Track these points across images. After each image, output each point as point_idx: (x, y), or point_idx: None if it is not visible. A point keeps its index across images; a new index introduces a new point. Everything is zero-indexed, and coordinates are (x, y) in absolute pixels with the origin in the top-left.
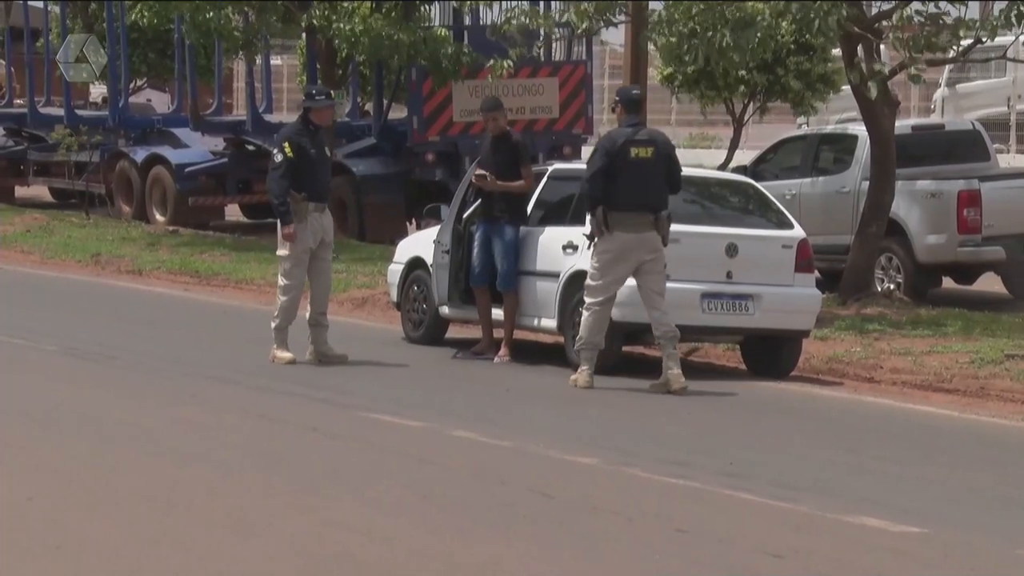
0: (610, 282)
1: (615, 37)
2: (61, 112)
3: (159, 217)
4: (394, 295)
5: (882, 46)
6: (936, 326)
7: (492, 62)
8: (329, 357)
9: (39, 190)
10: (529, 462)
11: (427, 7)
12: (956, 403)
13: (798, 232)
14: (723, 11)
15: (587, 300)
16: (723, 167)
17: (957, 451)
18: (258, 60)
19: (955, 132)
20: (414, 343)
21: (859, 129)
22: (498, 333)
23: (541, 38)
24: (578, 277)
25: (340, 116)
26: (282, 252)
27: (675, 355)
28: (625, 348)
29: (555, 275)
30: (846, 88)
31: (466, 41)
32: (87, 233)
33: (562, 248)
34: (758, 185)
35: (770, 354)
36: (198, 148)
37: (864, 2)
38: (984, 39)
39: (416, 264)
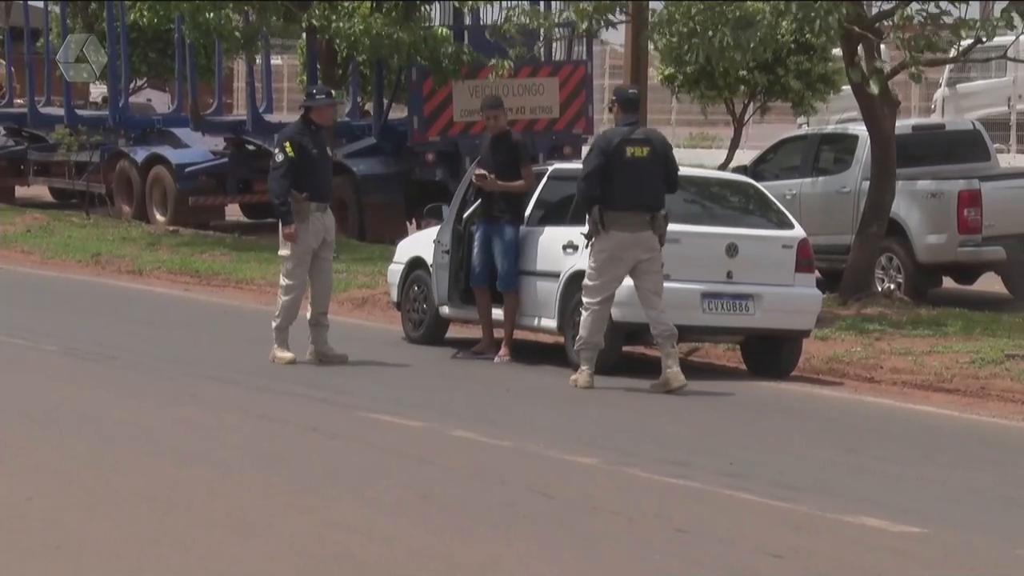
0: (607, 281)
1: (615, 37)
2: (61, 112)
3: (159, 217)
4: (394, 295)
5: (883, 46)
6: (936, 326)
7: (493, 62)
8: (329, 357)
9: (39, 190)
10: (529, 462)
11: (427, 7)
12: (956, 403)
13: (798, 232)
14: (723, 11)
15: (585, 300)
16: (723, 167)
17: (957, 451)
18: (258, 60)
19: (955, 132)
20: (414, 343)
21: (859, 129)
22: (498, 333)
23: (541, 38)
24: (578, 277)
25: (340, 116)
26: (284, 252)
27: (673, 354)
28: (625, 348)
29: (555, 275)
30: (846, 88)
31: (466, 41)
32: (87, 233)
33: (562, 248)
34: (758, 185)
35: (770, 354)
36: (198, 148)
37: (865, 1)
38: (984, 39)
39: (416, 264)
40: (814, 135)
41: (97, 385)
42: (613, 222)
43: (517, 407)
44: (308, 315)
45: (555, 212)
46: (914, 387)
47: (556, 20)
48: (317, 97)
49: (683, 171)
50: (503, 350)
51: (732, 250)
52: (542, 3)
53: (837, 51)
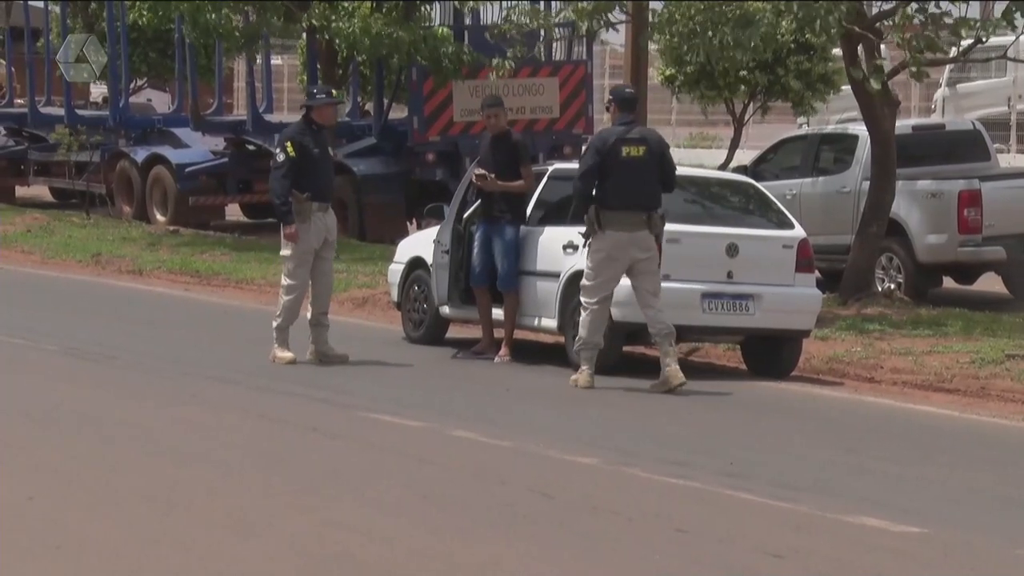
0: (605, 281)
1: (615, 37)
2: (62, 112)
3: (160, 217)
4: (395, 295)
5: (883, 45)
6: (937, 326)
7: (495, 62)
8: (330, 357)
9: (40, 190)
10: (529, 462)
11: (427, 7)
12: (957, 403)
13: (799, 232)
14: (723, 10)
15: (583, 300)
16: (723, 167)
17: (957, 451)
18: (258, 60)
19: (956, 132)
20: (415, 343)
21: (860, 129)
22: (498, 333)
23: (541, 38)
24: (578, 277)
25: (341, 116)
26: (285, 252)
27: (672, 352)
28: (625, 348)
29: (555, 275)
30: (846, 88)
31: (466, 41)
32: (88, 233)
33: (562, 248)
34: (758, 185)
35: (770, 354)
36: (199, 148)
37: (865, 1)
38: (984, 39)
39: (417, 264)
40: (814, 135)
41: (97, 385)
42: (609, 221)
43: (517, 407)
44: (308, 315)
45: (555, 212)
46: (914, 387)
47: (556, 20)
48: (318, 96)
49: (683, 171)
50: (503, 350)
51: (732, 250)
52: (542, 3)
53: (837, 51)
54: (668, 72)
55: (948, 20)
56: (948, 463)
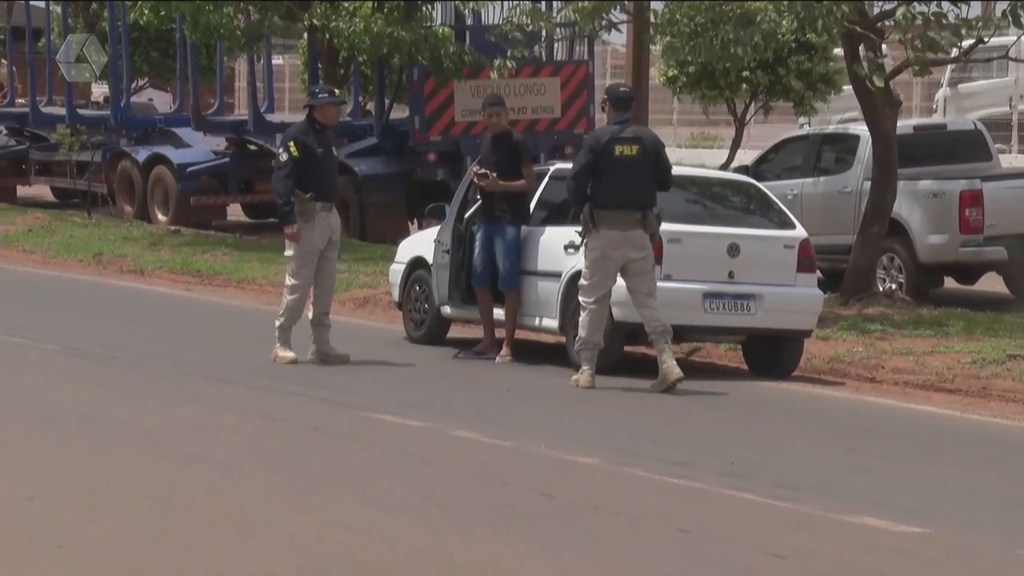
0: (601, 280)
1: (617, 37)
2: (63, 112)
3: (161, 217)
4: (396, 295)
5: (884, 45)
6: (938, 326)
7: (496, 63)
8: (331, 357)
9: (41, 189)
10: (530, 462)
11: (429, 7)
12: (958, 403)
13: (800, 232)
14: (724, 10)
15: (582, 300)
16: (725, 167)
17: (959, 451)
18: (260, 60)
19: (957, 132)
20: (416, 343)
21: (861, 129)
22: (499, 333)
23: (543, 39)
24: (579, 277)
25: (342, 116)
26: (289, 252)
27: (667, 349)
28: (626, 348)
29: (556, 275)
30: (848, 88)
31: (468, 42)
32: (89, 233)
33: (563, 248)
34: (760, 185)
35: (772, 354)
36: (200, 148)
37: (867, 1)
38: (985, 39)
39: (418, 264)
40: (815, 135)
41: (97, 385)
42: (604, 220)
43: (518, 407)
44: (310, 315)
45: (556, 212)
46: (915, 387)
47: (557, 20)
48: (320, 96)
49: (684, 171)
50: (504, 350)
51: (734, 250)
52: (543, 3)
53: (838, 51)
54: (670, 73)
55: (948, 21)
56: (949, 463)
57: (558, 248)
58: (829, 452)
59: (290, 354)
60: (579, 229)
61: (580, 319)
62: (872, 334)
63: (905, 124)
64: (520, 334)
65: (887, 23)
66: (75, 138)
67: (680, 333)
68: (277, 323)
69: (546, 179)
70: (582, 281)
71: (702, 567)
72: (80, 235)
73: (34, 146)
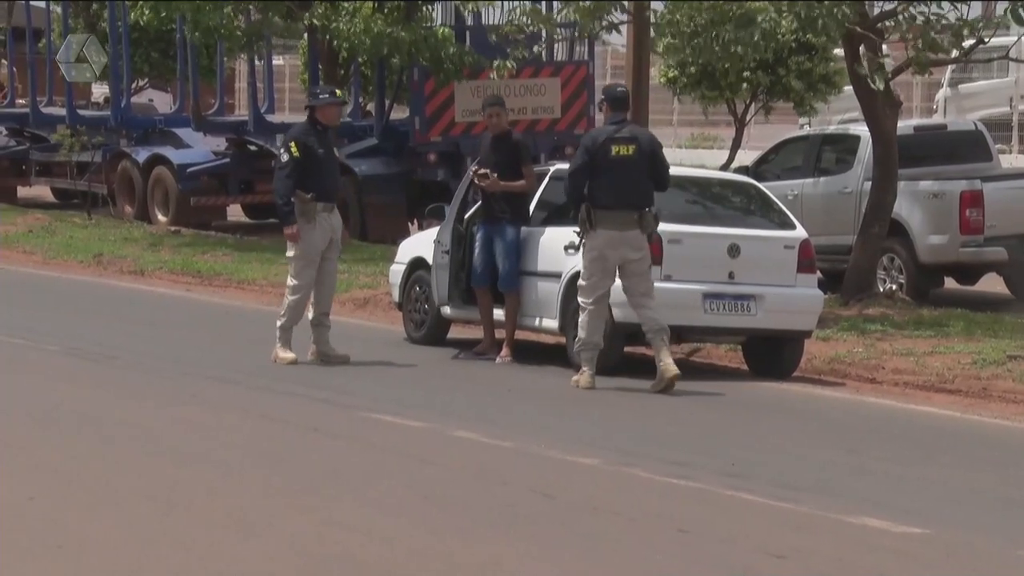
0: (599, 280)
1: (617, 38)
2: (63, 112)
3: (161, 217)
4: (396, 295)
5: (884, 46)
6: (938, 327)
7: (496, 64)
8: (331, 357)
9: (41, 190)
10: (530, 462)
11: (429, 7)
12: (958, 404)
13: (800, 232)
14: (725, 9)
15: (580, 300)
16: (725, 167)
17: (959, 452)
18: (260, 60)
19: (957, 132)
20: (416, 343)
21: (861, 129)
22: (500, 333)
23: (543, 39)
24: (579, 277)
25: (342, 116)
26: (291, 253)
27: (663, 347)
28: (627, 349)
29: (557, 275)
30: (848, 88)
31: (468, 43)
32: (89, 233)
33: (564, 248)
34: (760, 185)
35: (772, 354)
36: (200, 148)
37: (867, 1)
38: (986, 39)
39: (418, 264)
40: (816, 135)
41: (97, 385)
42: (601, 220)
43: (518, 408)
44: (310, 315)
45: (557, 212)
46: (916, 388)
47: (557, 21)
48: (321, 96)
49: (685, 171)
50: (504, 351)
51: (734, 250)
52: (543, 3)
53: (838, 51)
54: (670, 74)
55: (948, 21)
56: (950, 464)
57: (558, 249)
58: (829, 452)
59: (290, 355)
60: (577, 229)
61: (579, 320)
62: (872, 335)
63: (905, 124)
64: (520, 335)
65: (887, 23)
66: (75, 139)
67: (680, 333)
68: (278, 323)
69: (546, 180)
70: (581, 281)
71: (702, 567)
72: (80, 236)
73: (34, 147)
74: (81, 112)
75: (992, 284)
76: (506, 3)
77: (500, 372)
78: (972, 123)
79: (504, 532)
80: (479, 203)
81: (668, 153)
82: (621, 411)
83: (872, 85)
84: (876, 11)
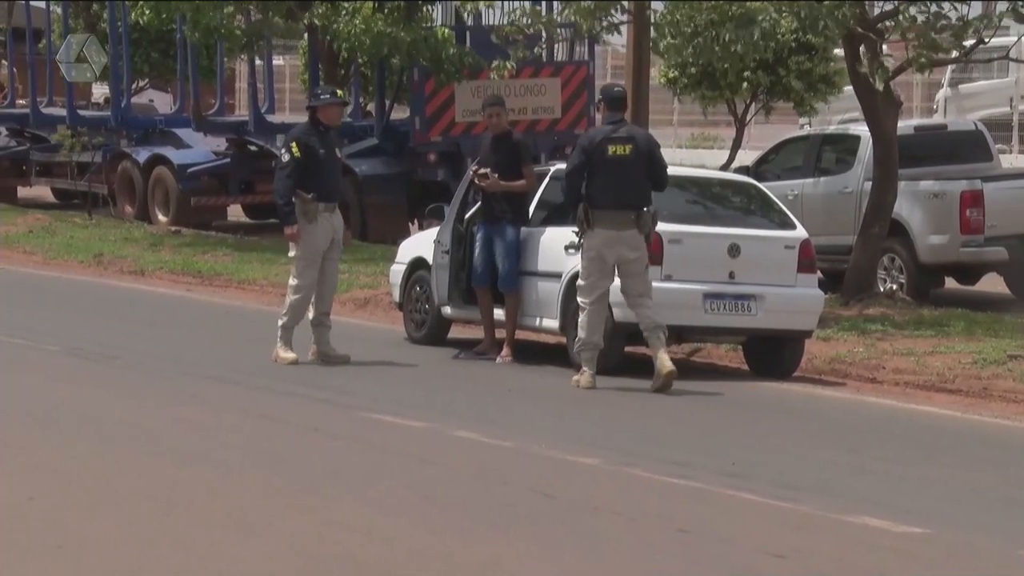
0: (598, 280)
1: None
2: (63, 112)
3: (161, 218)
4: (396, 295)
5: (884, 46)
6: (939, 327)
7: (496, 64)
8: (331, 357)
9: (41, 190)
10: (531, 462)
11: (429, 7)
12: (959, 404)
13: (800, 232)
14: (725, 9)
15: (580, 300)
16: (725, 167)
17: (960, 452)
18: (260, 60)
19: (958, 132)
20: (416, 343)
21: (861, 129)
22: (500, 333)
23: (543, 39)
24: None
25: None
26: (294, 253)
27: (659, 344)
28: (627, 349)
29: (557, 275)
30: (848, 88)
31: (468, 43)
32: (89, 233)
33: (564, 248)
34: (760, 185)
35: (772, 354)
36: (200, 148)
37: (868, 1)
38: (986, 40)
39: (418, 264)
40: (816, 135)
41: (97, 385)
42: (598, 220)
43: (519, 407)
44: (311, 315)
45: (557, 212)
46: (916, 387)
47: (558, 21)
48: (322, 97)
49: (685, 171)
50: (505, 350)
51: (734, 250)
52: (544, 3)
53: (839, 51)
54: (670, 74)
55: (950, 21)
56: (950, 464)
57: (559, 249)
58: (830, 452)
59: (291, 355)
60: (576, 229)
61: (579, 320)
62: (873, 334)
63: (906, 124)
64: (521, 334)
65: (887, 24)
66: (76, 139)
67: (681, 333)
68: (280, 322)
69: (546, 180)
70: (579, 281)
71: (702, 567)
72: (81, 236)
73: (35, 147)
74: (81, 112)
75: (993, 284)
76: (506, 3)
77: (500, 372)
78: (972, 123)
79: (504, 532)
80: (479, 203)
81: (668, 153)
82: (621, 411)
83: (874, 82)
84: (876, 11)
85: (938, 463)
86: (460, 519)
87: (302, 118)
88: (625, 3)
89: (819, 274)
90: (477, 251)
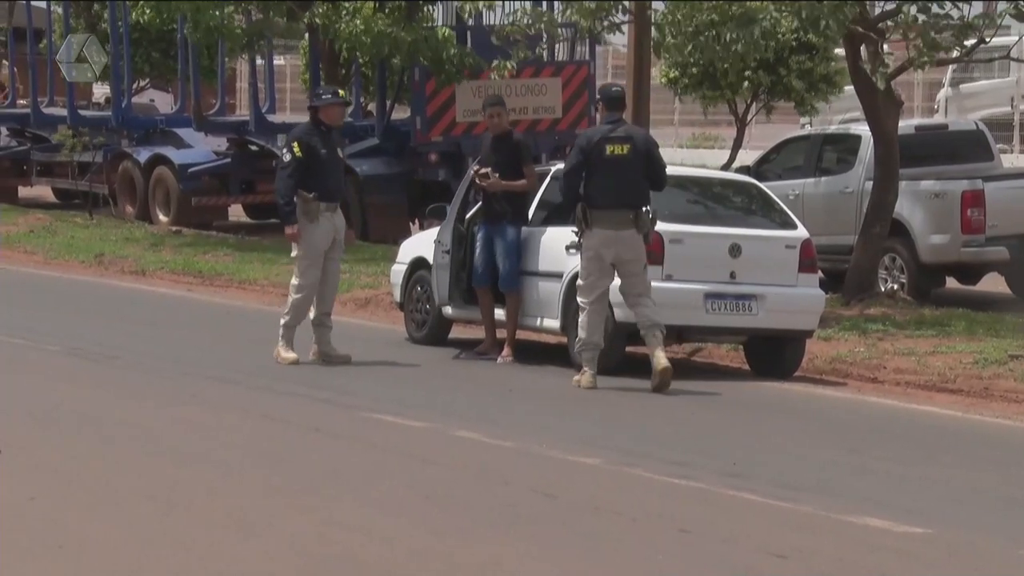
0: (597, 280)
1: (618, 37)
2: (64, 112)
3: (162, 217)
4: (397, 295)
5: (885, 46)
6: (940, 326)
7: (496, 63)
8: (332, 357)
9: (42, 190)
10: (532, 462)
11: (430, 7)
12: (960, 403)
13: (801, 232)
14: (726, 9)
15: (580, 300)
16: (726, 167)
17: (961, 451)
18: (261, 60)
19: (959, 132)
20: (417, 343)
21: (862, 129)
22: (501, 333)
23: (544, 40)
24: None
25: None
26: (296, 253)
27: (655, 342)
28: (628, 349)
29: (558, 275)
30: (849, 88)
31: (469, 44)
32: (90, 233)
33: (565, 248)
34: (761, 185)
35: (773, 354)
36: (201, 148)
37: (868, 1)
38: (987, 40)
39: (419, 264)
40: (817, 135)
41: (98, 385)
42: (596, 220)
43: (520, 407)
44: (312, 315)
45: (558, 212)
46: (917, 387)
47: (559, 21)
48: (324, 97)
49: (686, 171)
50: (506, 350)
51: (735, 250)
52: (544, 3)
53: (839, 51)
54: (671, 74)
55: (951, 20)
56: (951, 463)
57: (559, 249)
58: (831, 452)
59: (292, 355)
60: (575, 229)
61: (579, 320)
62: (874, 334)
63: (907, 124)
64: (522, 335)
65: (888, 23)
66: (76, 139)
67: (682, 333)
68: (282, 321)
69: (547, 179)
70: (579, 282)
71: (703, 567)
72: (81, 236)
73: (35, 147)
74: (82, 112)
75: (993, 284)
76: (507, 4)
77: (501, 372)
78: (973, 123)
79: (505, 532)
80: (480, 203)
81: (669, 153)
82: (622, 411)
83: (876, 81)
84: (877, 11)
85: (939, 463)
86: (461, 519)
87: (303, 118)
88: (626, 3)
89: (820, 274)
90: (478, 251)
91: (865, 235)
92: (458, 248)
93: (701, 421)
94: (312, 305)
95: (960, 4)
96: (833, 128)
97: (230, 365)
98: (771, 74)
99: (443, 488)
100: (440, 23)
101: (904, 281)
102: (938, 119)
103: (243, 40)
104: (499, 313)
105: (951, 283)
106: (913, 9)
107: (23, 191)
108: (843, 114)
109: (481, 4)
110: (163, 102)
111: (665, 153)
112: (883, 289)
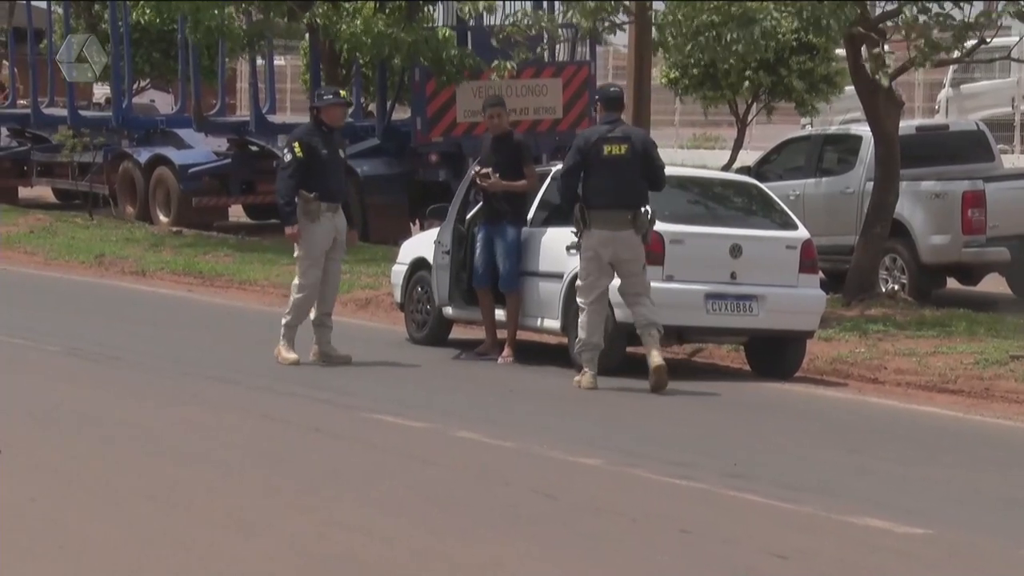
0: (596, 280)
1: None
2: (65, 113)
3: (163, 218)
4: (398, 296)
5: (886, 46)
6: (940, 327)
7: (496, 64)
8: (333, 358)
9: (43, 191)
10: (532, 463)
11: (430, 8)
12: (960, 404)
13: (802, 233)
14: (726, 9)
15: (579, 301)
16: (727, 168)
17: (962, 452)
18: (261, 61)
19: (959, 133)
20: (418, 344)
21: (863, 130)
22: (501, 334)
23: (545, 40)
24: None
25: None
26: (298, 253)
27: (651, 341)
28: (629, 349)
29: (558, 276)
30: (850, 88)
31: (469, 45)
32: (91, 234)
33: (565, 249)
34: (762, 186)
35: (774, 355)
36: (202, 149)
37: (869, 2)
38: (988, 39)
39: (420, 265)
40: (818, 136)
41: (98, 385)
42: (594, 220)
43: (520, 408)
44: (312, 315)
45: (558, 213)
46: (918, 388)
47: (559, 21)
48: (325, 97)
49: (686, 172)
50: (506, 351)
51: (736, 251)
52: (545, 3)
53: (840, 51)
54: (672, 75)
55: (952, 20)
56: (952, 464)
57: (560, 249)
58: (831, 453)
59: (292, 355)
60: (574, 229)
61: (579, 320)
62: (874, 335)
63: (907, 125)
64: (522, 335)
65: (889, 24)
66: (77, 139)
67: (682, 334)
68: (283, 320)
69: (548, 180)
70: (578, 282)
71: (704, 568)
72: (82, 236)
73: (36, 147)
74: (82, 113)
75: (994, 284)
76: (507, 4)
77: (502, 372)
78: (974, 123)
79: (506, 532)
80: (480, 203)
81: (670, 154)
82: (623, 411)
83: (878, 80)
84: (878, 11)
85: (940, 464)
86: (461, 520)
87: (303, 118)
88: (626, 3)
89: (821, 274)
90: (478, 251)
91: (866, 235)
92: (458, 248)
93: (702, 422)
94: (313, 305)
95: (961, 4)
96: (834, 129)
97: (230, 365)
98: (772, 74)
99: (444, 488)
100: (440, 24)
101: (905, 282)
102: (939, 120)
103: (243, 40)
104: (499, 314)
105: (952, 284)
106: (914, 9)
107: (23, 191)
108: (844, 114)
109: (481, 5)
110: (163, 102)
111: (666, 154)
112: (884, 290)
